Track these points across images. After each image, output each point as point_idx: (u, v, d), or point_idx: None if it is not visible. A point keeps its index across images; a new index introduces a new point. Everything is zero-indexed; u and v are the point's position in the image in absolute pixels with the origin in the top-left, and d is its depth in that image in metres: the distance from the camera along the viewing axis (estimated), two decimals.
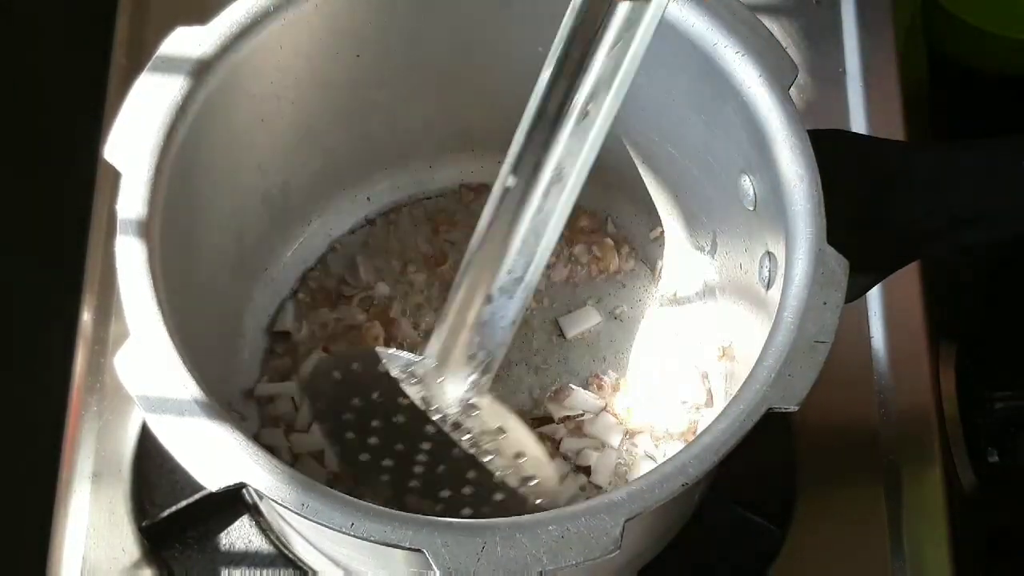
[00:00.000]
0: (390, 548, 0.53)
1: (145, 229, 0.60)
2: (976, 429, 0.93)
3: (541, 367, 0.80)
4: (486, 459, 0.68)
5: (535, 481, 0.67)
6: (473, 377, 0.69)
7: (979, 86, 1.09)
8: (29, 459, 0.85)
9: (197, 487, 0.77)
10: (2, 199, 0.93)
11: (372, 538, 0.53)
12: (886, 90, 0.90)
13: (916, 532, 0.78)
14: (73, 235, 0.85)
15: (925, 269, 0.84)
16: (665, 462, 0.55)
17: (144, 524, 0.77)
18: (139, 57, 0.90)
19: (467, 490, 0.68)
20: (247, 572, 0.76)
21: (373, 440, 0.70)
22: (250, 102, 0.69)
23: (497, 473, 0.68)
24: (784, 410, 0.56)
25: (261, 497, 0.73)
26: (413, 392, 0.70)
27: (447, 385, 0.70)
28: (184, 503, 0.76)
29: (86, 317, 0.83)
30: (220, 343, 0.76)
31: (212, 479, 0.54)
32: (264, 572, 0.76)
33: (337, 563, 0.73)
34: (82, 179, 0.86)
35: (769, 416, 0.56)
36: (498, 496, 0.68)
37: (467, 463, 0.69)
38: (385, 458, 0.70)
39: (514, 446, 0.68)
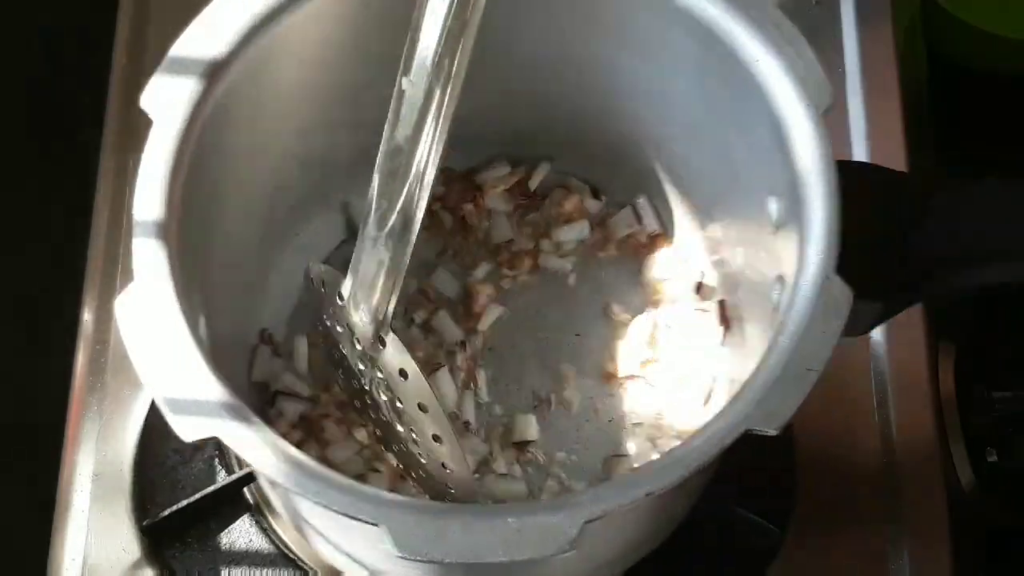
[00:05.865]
0: (351, 520, 0.54)
1: (169, 181, 0.60)
2: (975, 429, 0.94)
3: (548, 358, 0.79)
4: (404, 430, 0.67)
5: (450, 471, 0.66)
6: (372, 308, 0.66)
7: (979, 86, 1.09)
8: (30, 459, 0.85)
9: (198, 486, 0.77)
10: (3, 198, 0.93)
11: (334, 507, 0.54)
12: (885, 90, 0.90)
13: (916, 532, 0.78)
14: (73, 234, 0.85)
15: None
16: (636, 469, 0.56)
17: (145, 523, 0.77)
18: (140, 57, 0.91)
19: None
20: (247, 571, 0.76)
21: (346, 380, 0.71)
22: (297, 66, 0.68)
23: (418, 453, 0.67)
24: (763, 432, 0.55)
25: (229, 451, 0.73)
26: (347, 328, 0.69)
27: (362, 315, 0.67)
28: (185, 502, 0.76)
29: (86, 317, 0.83)
30: (241, 304, 0.75)
31: (187, 430, 0.54)
32: (264, 571, 0.76)
33: (333, 544, 0.73)
34: (83, 179, 0.86)
35: (747, 437, 0.55)
36: (422, 472, 0.68)
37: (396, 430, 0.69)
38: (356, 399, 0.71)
39: (417, 396, 0.65)
